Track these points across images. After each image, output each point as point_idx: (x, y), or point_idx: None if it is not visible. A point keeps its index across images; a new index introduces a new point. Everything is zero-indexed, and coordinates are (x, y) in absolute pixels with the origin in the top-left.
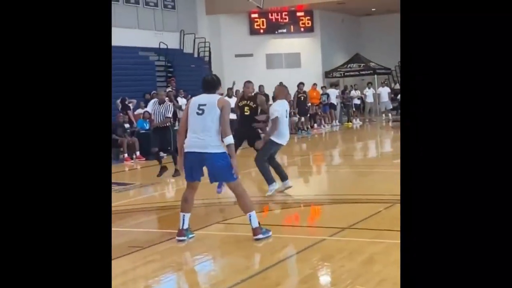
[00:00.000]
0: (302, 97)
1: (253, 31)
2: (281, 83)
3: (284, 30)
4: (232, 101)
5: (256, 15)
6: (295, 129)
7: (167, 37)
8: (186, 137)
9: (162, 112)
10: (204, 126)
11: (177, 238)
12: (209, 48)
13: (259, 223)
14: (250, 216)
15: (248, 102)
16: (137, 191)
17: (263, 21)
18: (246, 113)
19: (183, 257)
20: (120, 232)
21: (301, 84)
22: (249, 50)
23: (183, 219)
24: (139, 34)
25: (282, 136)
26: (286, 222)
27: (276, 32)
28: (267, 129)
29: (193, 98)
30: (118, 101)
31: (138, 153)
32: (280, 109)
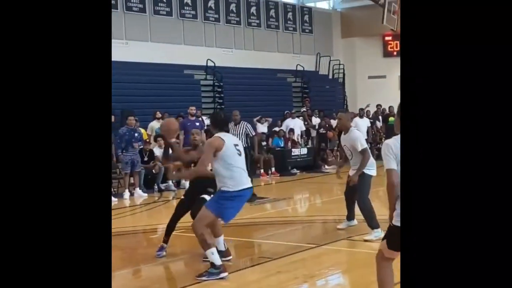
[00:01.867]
0: None
1: (387, 53)
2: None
3: None
4: (363, 122)
5: (389, 38)
6: None
7: (304, 60)
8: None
9: (239, 133)
10: (244, 165)
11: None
12: (343, 70)
13: None
14: None
15: None
16: (271, 205)
17: (396, 44)
18: None
19: (310, 270)
20: (254, 243)
21: None
22: (382, 72)
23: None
24: (278, 57)
25: (373, 164)
26: None
27: None
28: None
29: (226, 139)
30: (256, 119)
31: (273, 169)
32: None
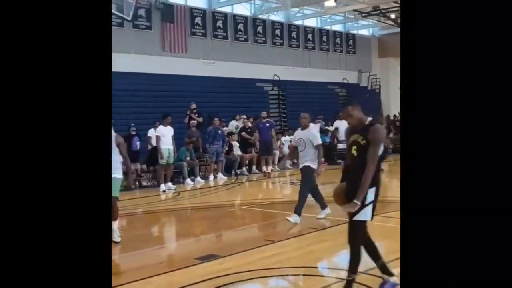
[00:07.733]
0: None
1: None
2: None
3: None
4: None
5: None
6: None
7: (349, 75)
8: None
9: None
10: None
11: None
12: (379, 83)
13: None
14: None
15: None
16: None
17: None
18: None
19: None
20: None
21: None
22: None
23: None
24: (328, 73)
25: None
26: None
27: None
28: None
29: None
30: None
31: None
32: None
